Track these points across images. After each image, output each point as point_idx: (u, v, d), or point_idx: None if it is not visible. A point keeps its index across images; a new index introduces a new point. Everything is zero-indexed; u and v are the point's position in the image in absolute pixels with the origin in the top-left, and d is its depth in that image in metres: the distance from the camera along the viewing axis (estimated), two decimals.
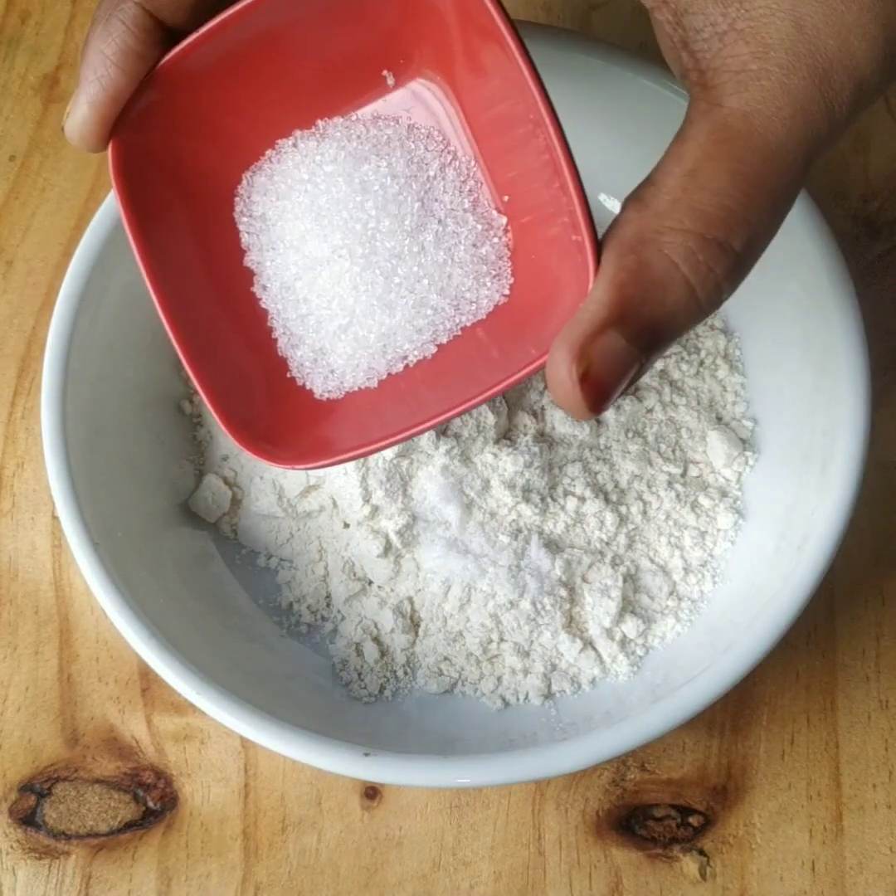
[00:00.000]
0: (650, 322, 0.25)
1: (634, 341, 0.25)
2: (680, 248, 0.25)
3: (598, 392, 0.25)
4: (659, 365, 0.41)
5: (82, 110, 0.29)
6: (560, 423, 0.39)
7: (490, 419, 0.38)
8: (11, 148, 0.48)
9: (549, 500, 0.39)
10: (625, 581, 0.39)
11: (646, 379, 0.41)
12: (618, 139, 0.43)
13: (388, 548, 0.38)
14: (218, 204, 0.33)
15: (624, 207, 0.26)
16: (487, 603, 0.38)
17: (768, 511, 0.39)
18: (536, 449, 0.38)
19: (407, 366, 0.33)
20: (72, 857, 0.40)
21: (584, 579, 0.38)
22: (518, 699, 0.38)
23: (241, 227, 0.33)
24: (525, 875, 0.40)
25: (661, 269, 0.25)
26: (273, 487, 0.39)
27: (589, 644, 0.38)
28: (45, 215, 0.47)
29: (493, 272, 0.32)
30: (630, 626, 0.38)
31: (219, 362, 0.32)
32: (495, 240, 0.32)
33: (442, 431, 0.38)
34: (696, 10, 0.26)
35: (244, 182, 0.33)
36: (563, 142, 0.27)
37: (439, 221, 0.32)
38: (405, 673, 0.39)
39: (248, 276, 0.34)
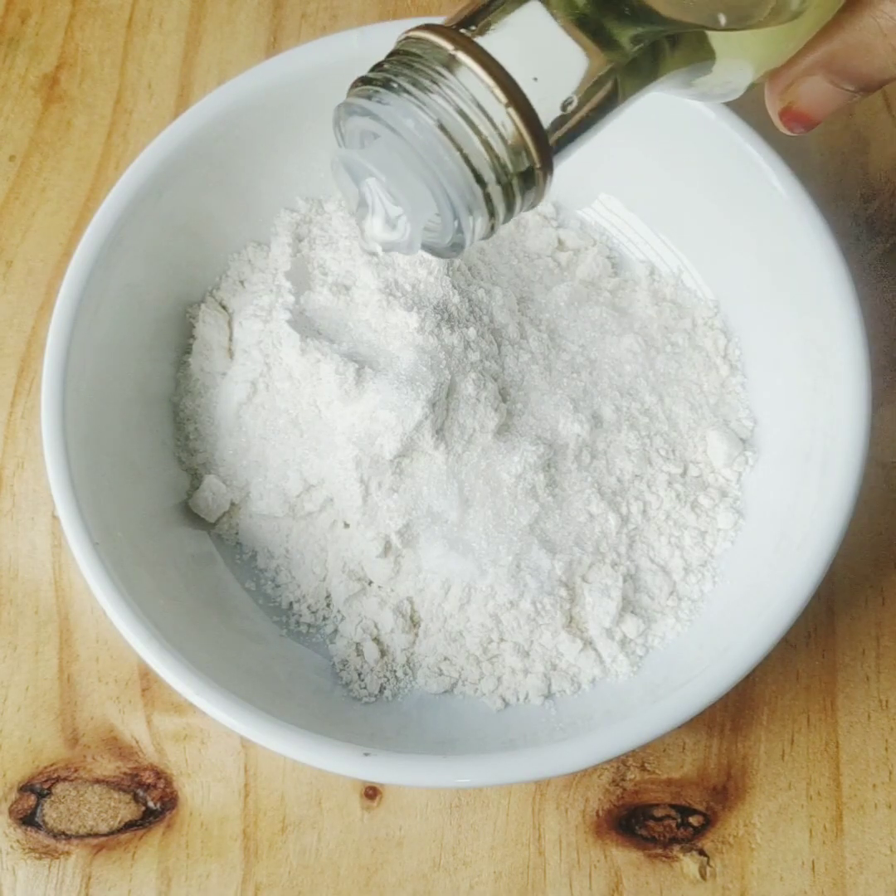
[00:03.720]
0: (855, 73, 0.28)
1: (838, 85, 0.29)
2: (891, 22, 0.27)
3: (798, 122, 0.30)
4: (659, 365, 0.41)
5: None
6: (561, 423, 0.39)
7: (491, 419, 0.38)
8: (11, 148, 0.48)
9: (549, 499, 0.39)
10: (625, 581, 0.38)
11: (644, 379, 0.41)
12: (616, 138, 0.43)
13: (388, 548, 0.38)
14: None
15: None
16: (487, 603, 0.38)
17: (768, 511, 0.39)
18: (537, 449, 0.38)
19: None
20: (72, 857, 0.40)
21: (584, 579, 0.38)
22: (518, 699, 0.38)
23: None
24: (525, 875, 0.40)
25: (870, 33, 0.28)
26: (273, 487, 0.39)
27: (589, 644, 0.38)
28: (45, 215, 0.47)
29: None
30: (630, 626, 0.38)
31: None
32: None
33: (442, 431, 0.38)
34: None
35: None
36: None
37: None
38: (405, 673, 0.39)
39: None
